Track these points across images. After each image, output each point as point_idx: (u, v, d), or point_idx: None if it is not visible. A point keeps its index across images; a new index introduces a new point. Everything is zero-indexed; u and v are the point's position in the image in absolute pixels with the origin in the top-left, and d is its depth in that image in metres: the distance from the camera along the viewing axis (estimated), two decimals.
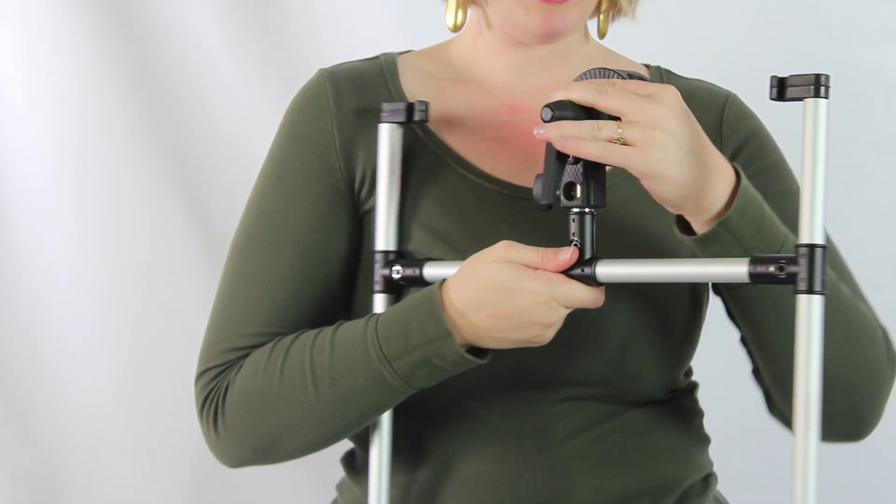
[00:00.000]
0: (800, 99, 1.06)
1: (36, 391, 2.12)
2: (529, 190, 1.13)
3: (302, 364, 1.18)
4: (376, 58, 1.32)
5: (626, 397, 1.24)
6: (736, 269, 1.07)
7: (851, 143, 1.94)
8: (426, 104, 1.20)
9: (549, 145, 1.08)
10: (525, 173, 1.22)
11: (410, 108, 1.20)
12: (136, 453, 2.13)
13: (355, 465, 1.32)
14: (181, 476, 2.15)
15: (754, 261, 1.06)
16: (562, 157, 1.08)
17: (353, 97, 1.26)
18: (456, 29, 1.28)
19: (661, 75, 1.33)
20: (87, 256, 2.07)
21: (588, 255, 1.10)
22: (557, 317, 1.11)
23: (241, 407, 1.21)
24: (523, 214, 1.21)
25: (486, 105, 1.28)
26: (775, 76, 1.06)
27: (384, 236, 1.21)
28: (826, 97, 1.04)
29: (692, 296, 1.25)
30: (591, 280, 1.10)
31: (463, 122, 1.27)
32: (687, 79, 1.34)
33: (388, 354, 1.14)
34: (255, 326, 1.23)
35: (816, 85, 1.05)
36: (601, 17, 1.28)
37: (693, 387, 1.33)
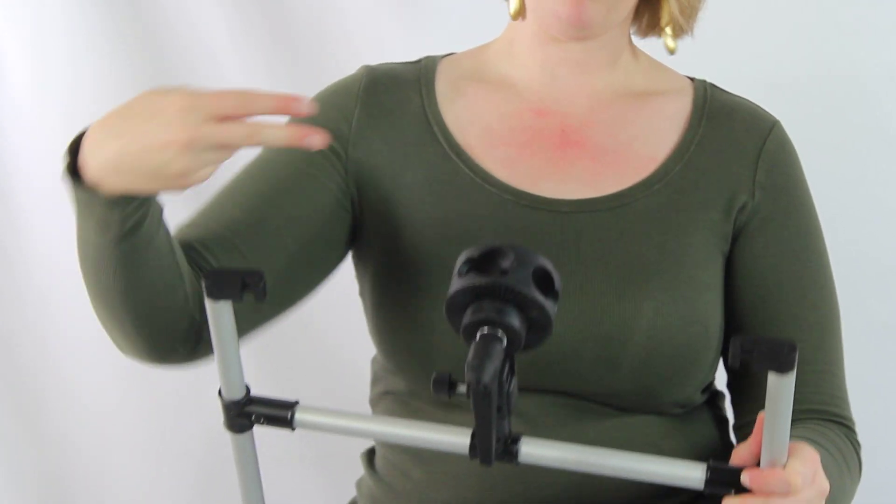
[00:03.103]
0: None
1: (43, 390, 2.13)
2: (546, 199, 1.13)
3: None
4: (418, 61, 1.33)
5: (643, 407, 1.24)
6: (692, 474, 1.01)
7: (862, 143, 1.92)
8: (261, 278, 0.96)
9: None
10: (543, 182, 1.23)
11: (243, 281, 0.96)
12: (144, 452, 2.15)
13: (375, 462, 1.34)
14: (188, 474, 2.16)
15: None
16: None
17: (384, 93, 1.28)
18: (517, 17, 1.28)
19: (705, 89, 1.33)
20: None
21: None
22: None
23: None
24: (539, 225, 1.21)
25: (513, 109, 1.28)
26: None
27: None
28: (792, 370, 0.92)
29: (714, 315, 1.24)
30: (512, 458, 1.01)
31: (486, 127, 1.27)
32: (731, 95, 1.33)
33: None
34: (206, 229, 1.22)
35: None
36: (663, 34, 1.29)
37: (714, 397, 1.33)
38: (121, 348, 1.18)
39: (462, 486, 1.24)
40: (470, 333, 0.90)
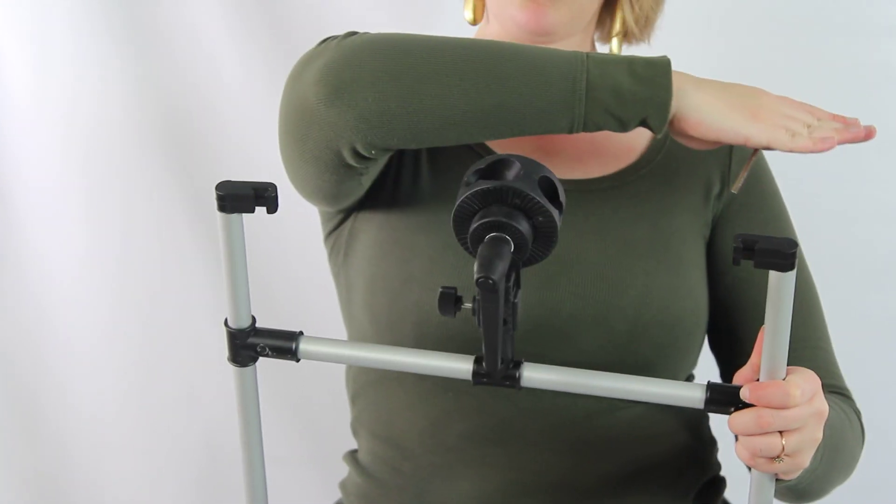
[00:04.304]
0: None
1: (41, 396, 2.12)
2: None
3: (467, 41, 1.12)
4: None
5: None
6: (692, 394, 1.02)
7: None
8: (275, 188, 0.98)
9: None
10: None
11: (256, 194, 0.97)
12: (143, 459, 2.13)
13: (359, 460, 1.34)
14: (187, 478, 2.14)
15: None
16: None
17: None
18: (474, 22, 1.31)
19: None
20: (94, 260, 2.07)
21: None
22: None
23: (374, 45, 1.10)
24: None
25: None
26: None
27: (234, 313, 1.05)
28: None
29: (702, 293, 1.27)
30: (515, 383, 1.02)
31: None
32: None
33: (592, 56, 1.10)
34: None
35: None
36: (614, 43, 1.31)
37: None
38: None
39: (457, 476, 1.24)
40: (478, 239, 0.90)
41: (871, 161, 1.97)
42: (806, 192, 1.92)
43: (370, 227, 1.27)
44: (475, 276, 0.86)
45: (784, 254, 0.89)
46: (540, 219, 0.91)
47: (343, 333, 1.37)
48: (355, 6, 1.99)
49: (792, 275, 0.91)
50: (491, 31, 1.29)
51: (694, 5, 1.83)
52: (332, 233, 1.32)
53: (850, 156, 1.69)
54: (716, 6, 1.96)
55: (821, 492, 1.19)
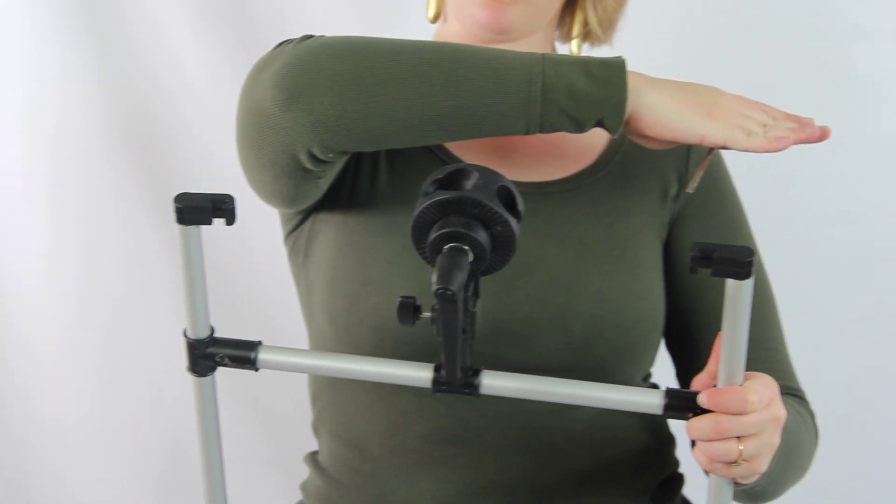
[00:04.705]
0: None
1: (4, 399, 2.10)
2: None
3: (425, 44, 1.12)
4: None
5: None
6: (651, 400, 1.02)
7: (822, 142, 1.94)
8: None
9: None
10: (493, 167, 1.23)
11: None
12: (106, 461, 2.12)
13: (320, 461, 1.34)
14: (151, 484, 2.13)
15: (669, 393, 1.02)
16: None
17: None
18: (435, 20, 1.31)
19: None
20: (57, 262, 2.06)
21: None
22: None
23: (331, 48, 1.09)
24: None
25: None
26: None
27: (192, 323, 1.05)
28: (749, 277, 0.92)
29: (659, 294, 1.27)
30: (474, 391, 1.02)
31: None
32: None
33: (548, 57, 1.10)
34: None
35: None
36: (574, 43, 1.31)
37: (654, 387, 1.34)
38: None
39: (417, 476, 1.24)
40: (436, 249, 0.90)
41: (837, 162, 1.98)
42: (772, 193, 1.94)
43: (329, 229, 1.26)
44: (434, 288, 0.86)
45: (741, 262, 0.89)
46: (498, 228, 0.91)
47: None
48: (320, 6, 1.98)
49: (749, 282, 0.91)
50: (450, 30, 1.29)
51: (657, 6, 1.84)
52: (291, 233, 1.31)
53: (815, 157, 1.70)
54: (679, 7, 1.96)
55: (776, 493, 1.20)
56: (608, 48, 1.33)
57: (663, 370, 1.35)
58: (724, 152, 1.33)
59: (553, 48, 1.33)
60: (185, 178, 2.02)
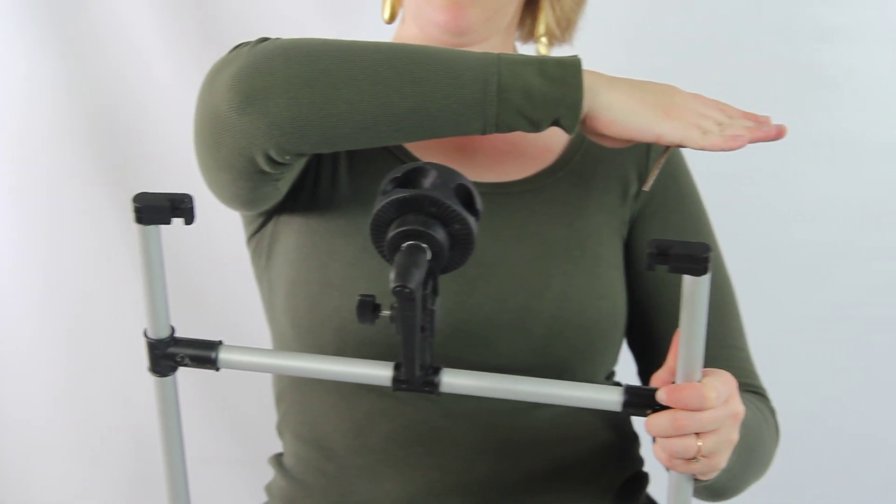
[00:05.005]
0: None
1: None
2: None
3: (380, 45, 1.12)
4: None
5: None
6: (610, 398, 1.02)
7: (785, 141, 1.95)
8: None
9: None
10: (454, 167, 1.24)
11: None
12: (72, 461, 2.11)
13: (284, 463, 1.34)
14: (117, 483, 2.13)
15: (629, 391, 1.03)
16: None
17: None
18: (390, 21, 1.31)
19: None
20: (22, 261, 2.05)
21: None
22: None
23: (286, 51, 1.09)
24: None
25: None
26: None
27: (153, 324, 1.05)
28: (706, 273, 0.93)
29: (620, 293, 1.27)
30: (434, 389, 1.02)
31: None
32: None
33: (503, 57, 1.10)
34: None
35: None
36: (540, 44, 1.32)
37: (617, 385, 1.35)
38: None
39: (381, 477, 1.24)
40: (395, 248, 0.90)
41: (802, 161, 2.00)
42: (732, 192, 1.95)
43: (290, 231, 1.26)
44: (392, 285, 0.87)
45: (697, 258, 0.90)
46: (456, 226, 0.91)
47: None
48: (287, 5, 1.98)
49: (706, 279, 0.92)
50: (408, 32, 1.29)
51: (619, 5, 1.84)
52: (253, 235, 1.32)
53: (776, 156, 1.71)
54: (640, 6, 1.97)
55: (736, 490, 1.21)
56: (569, 48, 1.34)
57: (627, 369, 1.36)
58: (683, 150, 1.34)
59: (514, 50, 1.34)
60: (151, 178, 2.02)
